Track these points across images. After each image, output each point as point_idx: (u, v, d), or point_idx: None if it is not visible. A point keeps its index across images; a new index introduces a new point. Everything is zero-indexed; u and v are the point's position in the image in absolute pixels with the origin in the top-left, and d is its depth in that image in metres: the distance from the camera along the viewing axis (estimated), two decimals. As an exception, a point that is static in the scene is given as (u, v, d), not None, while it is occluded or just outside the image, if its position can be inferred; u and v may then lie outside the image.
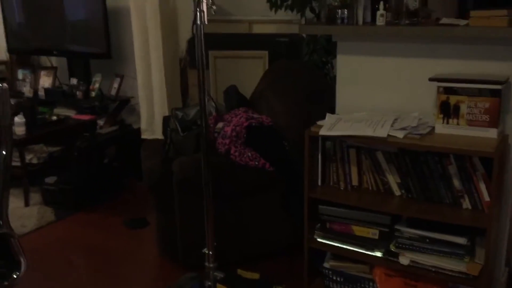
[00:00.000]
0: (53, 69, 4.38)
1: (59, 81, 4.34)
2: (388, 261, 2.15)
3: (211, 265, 2.16)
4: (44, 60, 4.63)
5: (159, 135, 3.73)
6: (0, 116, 1.67)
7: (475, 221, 1.95)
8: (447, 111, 2.02)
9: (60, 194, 3.43)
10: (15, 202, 3.50)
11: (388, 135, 2.02)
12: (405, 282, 2.19)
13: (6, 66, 4.67)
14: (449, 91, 2.00)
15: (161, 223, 2.73)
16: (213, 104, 2.90)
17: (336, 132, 2.12)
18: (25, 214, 3.37)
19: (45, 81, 4.34)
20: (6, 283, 1.73)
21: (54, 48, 4.20)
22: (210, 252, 2.15)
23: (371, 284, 2.27)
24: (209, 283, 2.16)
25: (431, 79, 2.03)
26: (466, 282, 2.00)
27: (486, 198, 1.97)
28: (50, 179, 3.51)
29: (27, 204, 3.49)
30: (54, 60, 4.54)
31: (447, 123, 2.03)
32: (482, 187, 1.97)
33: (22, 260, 1.75)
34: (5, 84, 1.67)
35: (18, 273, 1.74)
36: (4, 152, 1.68)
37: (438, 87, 2.02)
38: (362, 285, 2.30)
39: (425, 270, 2.06)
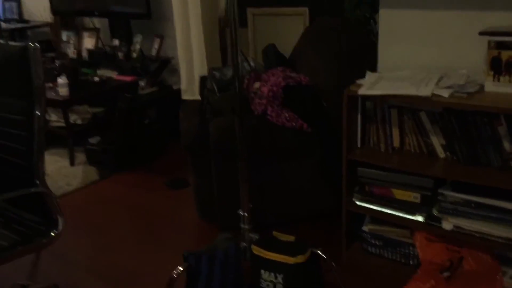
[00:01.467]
0: (95, 30, 4.42)
1: (101, 42, 4.38)
2: (430, 226, 2.06)
3: (246, 227, 2.15)
4: (87, 21, 4.67)
5: (198, 96, 3.71)
6: (33, 76, 1.67)
7: (525, 186, 1.82)
8: (498, 67, 1.86)
9: (103, 154, 3.49)
10: (61, 162, 3.61)
11: (433, 94, 1.90)
12: (447, 247, 2.11)
13: (50, 28, 4.75)
14: (501, 45, 1.84)
15: (198, 184, 2.73)
16: (251, 63, 2.82)
17: (376, 91, 2.02)
18: (70, 173, 3.47)
19: (88, 42, 4.38)
20: (44, 240, 1.77)
21: (96, 8, 4.21)
22: (246, 214, 2.14)
23: (411, 248, 2.20)
24: (244, 244, 2.16)
25: (481, 33, 1.87)
26: (513, 249, 1.90)
27: (539, 161, 1.83)
28: (94, 140, 3.58)
29: (72, 163, 3.59)
30: (96, 22, 4.56)
31: (498, 80, 1.88)
32: (535, 149, 1.83)
33: (59, 218, 1.78)
34: (36, 44, 1.67)
35: (55, 231, 1.77)
36: (38, 113, 1.68)
37: (489, 41, 1.86)
38: (402, 249, 2.23)
39: (469, 236, 1.97)
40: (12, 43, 1.72)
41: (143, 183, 3.32)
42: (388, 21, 2.23)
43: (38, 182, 1.74)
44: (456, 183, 2.03)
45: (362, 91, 2.04)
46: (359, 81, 2.16)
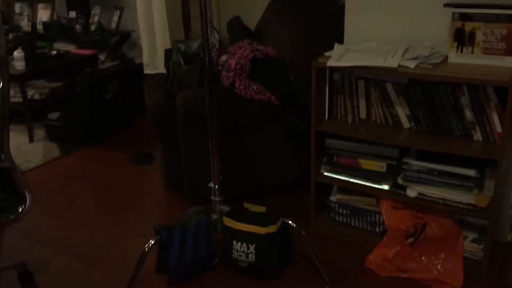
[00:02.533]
0: (50, 1, 4.23)
1: (57, 14, 4.21)
2: (395, 194, 2.14)
3: (217, 199, 2.15)
4: (41, -8, 4.46)
5: (161, 69, 3.64)
6: (-5, 47, 1.60)
7: (486, 153, 1.91)
8: (462, 39, 1.92)
9: (64, 130, 3.40)
10: (19, 139, 3.49)
11: (399, 65, 1.94)
12: (411, 214, 2.19)
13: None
14: (464, 17, 1.90)
15: (166, 159, 2.71)
16: (216, 36, 2.79)
17: (344, 63, 2.04)
18: (30, 150, 3.36)
19: (43, 14, 4.20)
20: (12, 216, 1.72)
21: (51, -21, 4.03)
22: (216, 186, 2.14)
23: (377, 216, 2.27)
24: (215, 216, 2.17)
25: (446, 5, 1.92)
26: (473, 213, 1.99)
27: (499, 129, 1.91)
28: (53, 115, 3.48)
29: (31, 140, 3.48)
30: (51, -7, 4.37)
31: (461, 51, 1.94)
32: (495, 118, 1.91)
33: (26, 193, 1.74)
34: (-3, 13, 1.59)
35: (23, 207, 1.73)
36: (0, 85, 1.62)
37: (453, 13, 1.91)
38: (369, 218, 2.30)
39: (432, 202, 2.05)
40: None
41: (107, 159, 3.27)
42: (355, -7, 2.25)
43: (3, 157, 1.68)
44: (420, 152, 2.10)
45: (330, 63, 2.06)
46: (327, 53, 2.18)
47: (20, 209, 1.73)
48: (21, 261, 2.09)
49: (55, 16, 4.19)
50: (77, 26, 3.93)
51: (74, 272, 2.19)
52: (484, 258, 2.04)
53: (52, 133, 3.47)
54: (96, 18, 3.94)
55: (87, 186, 2.96)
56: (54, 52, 3.68)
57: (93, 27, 3.93)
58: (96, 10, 3.95)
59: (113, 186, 2.93)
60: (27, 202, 1.74)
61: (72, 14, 4.03)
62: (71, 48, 3.86)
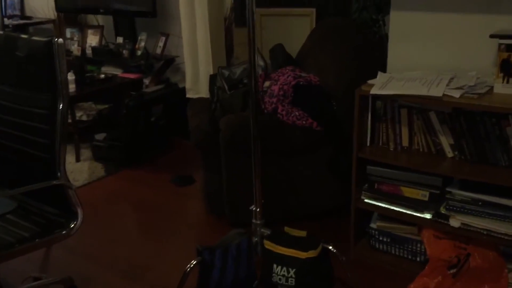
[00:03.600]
0: (99, 27, 4.43)
1: (105, 40, 4.39)
2: (438, 223, 2.12)
3: (258, 222, 2.19)
4: (91, 18, 4.68)
5: (204, 94, 3.74)
6: (58, 70, 1.70)
7: (532, 184, 1.88)
8: (508, 70, 1.92)
9: (110, 150, 3.52)
10: (66, 158, 3.60)
11: (444, 94, 1.95)
12: (454, 244, 2.16)
13: (54, 25, 4.75)
14: (511, 48, 1.90)
15: (208, 181, 2.77)
16: (261, 63, 2.86)
17: (388, 91, 2.07)
18: (76, 169, 3.49)
19: (92, 40, 4.39)
20: (64, 232, 1.80)
21: (101, 6, 4.23)
22: (258, 209, 2.18)
23: (418, 245, 2.25)
24: (256, 239, 2.20)
25: (492, 36, 1.93)
26: (519, 246, 1.96)
27: (546, 161, 1.89)
28: (100, 136, 3.61)
29: (78, 159, 3.61)
30: (100, 19, 4.57)
31: (507, 82, 1.94)
32: (542, 149, 1.89)
33: (78, 210, 1.81)
34: (60, 39, 1.70)
35: (75, 223, 1.80)
36: (61, 106, 1.72)
37: (500, 44, 1.92)
38: (410, 246, 2.28)
39: (476, 233, 2.03)
40: (36, 37, 1.75)
41: (149, 179, 3.35)
42: (399, 23, 2.29)
43: (59, 175, 1.77)
44: (464, 181, 2.08)
45: (374, 91, 2.09)
46: (370, 81, 2.21)
47: (72, 225, 1.81)
48: (68, 276, 2.17)
49: (103, 42, 4.37)
50: (124, 51, 4.09)
51: (117, 288, 2.25)
52: (530, 292, 1.99)
53: (98, 154, 3.59)
54: (142, 44, 4.09)
55: (130, 205, 3.05)
56: (102, 76, 3.84)
57: (139, 52, 4.08)
58: (142, 36, 4.10)
59: (155, 206, 3.00)
60: (79, 219, 1.82)
61: (120, 39, 4.20)
62: (118, 72, 4.01)
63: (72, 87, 3.47)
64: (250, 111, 2.06)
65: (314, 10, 3.27)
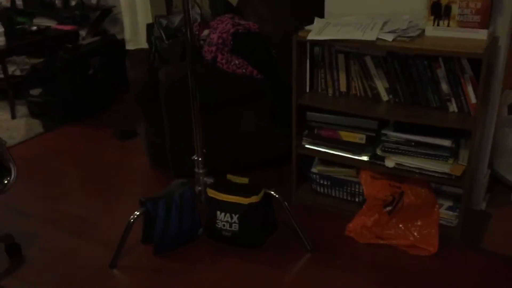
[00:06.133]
0: (29, -24, 4.16)
1: (36, -11, 4.14)
2: (374, 165, 2.20)
3: (201, 171, 2.20)
4: (19, -33, 4.38)
5: (144, 45, 3.63)
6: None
7: (461, 124, 1.98)
8: (438, 12, 1.97)
9: (46, 106, 3.40)
10: (1, 115, 3.48)
11: (378, 38, 1.99)
12: (390, 183, 2.26)
13: (-22, -26, 4.42)
14: (441, -9, 1.94)
15: (149, 134, 2.73)
16: (198, 10, 2.80)
17: (324, 36, 2.08)
18: (12, 126, 3.36)
19: (22, -11, 4.13)
20: (-2, 188, 1.75)
21: (30, -47, 3.97)
22: (200, 158, 2.18)
23: (357, 186, 2.34)
24: (199, 188, 2.22)
25: (423, -22, 1.96)
26: (449, 182, 2.07)
27: (473, 100, 1.98)
28: (35, 91, 3.47)
29: (13, 116, 3.47)
30: (29, -33, 4.29)
31: (438, 25, 1.99)
32: (470, 89, 1.97)
33: (12, 166, 1.76)
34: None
35: (9, 179, 1.75)
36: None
37: (431, -13, 1.96)
38: (349, 188, 2.37)
39: (409, 172, 2.12)
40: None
41: (90, 134, 3.28)
42: (335, -33, 2.27)
43: (-13, 131, 1.70)
44: (398, 123, 2.16)
45: (311, 36, 2.10)
46: (307, 27, 2.21)
47: (6, 181, 1.76)
48: (8, 232, 2.12)
49: (34, -9, 4.13)
50: (57, 1, 3.89)
51: (61, 244, 2.22)
52: (458, 224, 2.13)
53: (34, 110, 3.46)
54: (76, -7, 3.89)
55: (71, 161, 2.98)
56: (34, 28, 3.65)
57: (73, 3, 3.89)
58: (76, -15, 3.90)
59: (97, 162, 2.95)
60: (12, 175, 1.77)
61: (52, -11, 3.98)
62: (51, 24, 3.82)
63: (1, 40, 3.29)
64: (188, 60, 2.03)
65: (253, -45, 3.19)
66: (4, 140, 1.74)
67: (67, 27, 3.74)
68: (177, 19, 2.82)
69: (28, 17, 3.87)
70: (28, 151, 3.08)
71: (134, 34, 3.76)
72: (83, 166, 2.92)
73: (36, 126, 3.36)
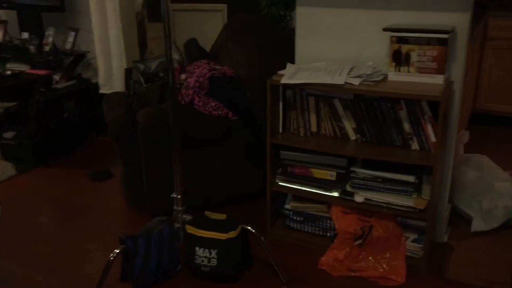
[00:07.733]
0: (3, 22, 4.24)
1: (9, 35, 4.21)
2: (344, 200, 2.33)
3: (180, 208, 2.27)
4: (-7, 13, 4.46)
5: (118, 88, 3.75)
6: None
7: (422, 160, 2.14)
8: (399, 59, 2.17)
9: (20, 149, 3.41)
10: (-28, 158, 3.46)
11: (345, 82, 2.16)
12: (359, 218, 2.39)
13: (-49, 20, 4.47)
14: (401, 40, 2.14)
15: (126, 174, 2.80)
16: (176, 56, 2.94)
17: (297, 80, 2.24)
18: (-15, 169, 3.35)
19: (-5, 35, 4.19)
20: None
21: (3, 0, 4.05)
22: (179, 196, 2.26)
23: (328, 221, 2.46)
24: (178, 225, 2.28)
25: (385, 29, 2.17)
26: (413, 215, 2.21)
27: (433, 139, 2.16)
28: (9, 134, 3.48)
29: (-15, 159, 3.46)
30: (3, 14, 4.38)
31: (399, 71, 2.19)
32: (429, 129, 2.16)
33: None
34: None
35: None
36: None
37: (391, 36, 2.15)
38: (320, 223, 2.48)
39: (377, 206, 2.26)
40: None
41: (64, 176, 3.30)
42: (305, 18, 2.47)
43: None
44: (365, 161, 2.31)
45: (284, 80, 2.26)
46: (280, 72, 2.37)
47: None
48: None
49: (7, 37, 4.19)
50: (31, 47, 3.96)
51: (38, 284, 2.22)
52: (424, 256, 2.26)
53: (8, 152, 3.46)
54: (50, 39, 3.97)
55: (46, 203, 2.99)
56: (8, 72, 3.69)
57: (47, 48, 3.97)
58: (50, 31, 3.99)
59: (72, 203, 2.97)
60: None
61: (25, 35, 4.06)
62: (25, 68, 3.88)
63: (-24, 84, 3.32)
64: (170, 102, 2.14)
65: (225, 6, 3.40)
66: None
67: (41, 72, 3.80)
68: (153, 64, 2.95)
69: (1, 62, 3.92)
70: (1, 193, 3.07)
71: (108, 78, 3.86)
72: (58, 207, 2.94)
73: (9, 169, 3.36)
